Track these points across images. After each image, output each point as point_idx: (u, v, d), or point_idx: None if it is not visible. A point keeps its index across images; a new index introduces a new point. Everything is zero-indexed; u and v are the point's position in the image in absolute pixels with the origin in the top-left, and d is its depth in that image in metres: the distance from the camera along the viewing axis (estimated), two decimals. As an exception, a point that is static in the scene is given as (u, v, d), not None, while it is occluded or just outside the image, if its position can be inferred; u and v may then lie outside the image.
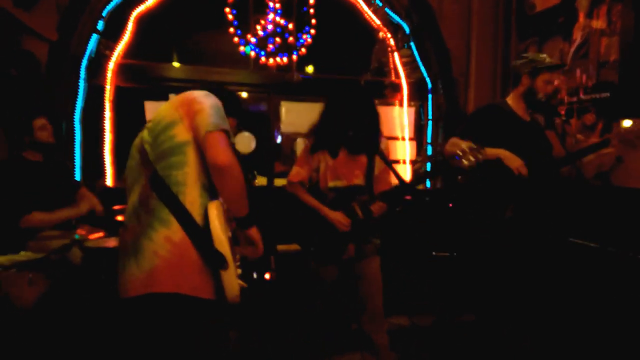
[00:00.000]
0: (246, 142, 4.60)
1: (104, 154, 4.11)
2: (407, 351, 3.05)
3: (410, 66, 4.86)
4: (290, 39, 4.63)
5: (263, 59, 4.59)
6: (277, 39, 4.61)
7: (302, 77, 4.61)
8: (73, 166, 3.90)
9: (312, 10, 4.67)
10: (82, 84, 3.96)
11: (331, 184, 2.47)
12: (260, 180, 4.36)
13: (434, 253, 3.51)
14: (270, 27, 4.58)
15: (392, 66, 4.92)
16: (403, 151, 4.90)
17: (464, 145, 2.16)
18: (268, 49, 4.59)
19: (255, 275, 3.13)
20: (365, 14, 4.78)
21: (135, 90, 4.19)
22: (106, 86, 4.09)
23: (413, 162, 4.94)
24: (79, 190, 3.06)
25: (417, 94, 4.90)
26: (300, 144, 4.72)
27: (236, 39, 4.52)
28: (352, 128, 2.42)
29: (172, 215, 1.52)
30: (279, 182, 4.51)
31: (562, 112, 3.76)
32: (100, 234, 2.82)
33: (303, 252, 2.55)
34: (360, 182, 2.48)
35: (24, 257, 2.39)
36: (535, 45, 4.20)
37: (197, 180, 1.57)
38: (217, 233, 1.51)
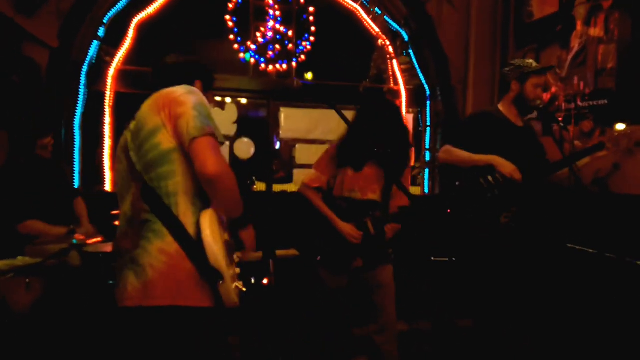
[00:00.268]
0: (245, 148, 4.65)
1: (104, 159, 4.12)
2: (406, 356, 3.04)
3: (409, 73, 4.88)
4: (290, 46, 4.66)
5: (263, 65, 4.61)
6: (277, 46, 4.64)
7: (302, 83, 4.64)
8: (72, 171, 3.91)
9: (311, 18, 4.71)
10: (82, 89, 3.98)
11: (347, 194, 2.44)
12: (259, 186, 4.36)
13: (432, 258, 3.51)
14: (270, 34, 4.61)
15: (390, 73, 4.95)
16: (402, 158, 4.90)
17: (490, 177, 2.27)
18: (268, 56, 4.62)
19: (253, 281, 3.12)
20: (365, 22, 4.81)
21: (135, 97, 4.18)
22: (106, 92, 4.11)
23: (411, 168, 4.95)
24: (75, 199, 3.08)
25: (416, 101, 4.92)
26: (299, 150, 4.73)
27: (236, 46, 4.55)
28: (384, 144, 2.38)
29: (165, 228, 1.49)
30: (278, 188, 4.52)
31: (560, 119, 3.77)
32: (99, 239, 2.82)
33: (305, 258, 2.54)
34: (377, 198, 2.46)
35: (21, 262, 2.40)
36: (533, 53, 4.23)
37: (188, 189, 1.52)
38: (210, 247, 1.46)
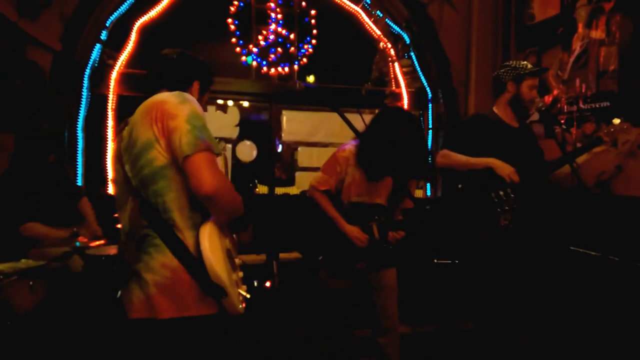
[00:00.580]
0: (247, 150, 4.66)
1: (106, 162, 4.13)
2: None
3: (411, 76, 4.89)
4: (292, 49, 4.67)
5: (265, 68, 4.63)
6: (279, 49, 4.65)
7: (304, 86, 4.65)
8: (75, 174, 3.92)
9: (313, 21, 4.72)
10: (85, 93, 4.00)
11: (354, 198, 2.45)
12: (262, 189, 4.37)
13: (435, 261, 3.51)
14: (272, 37, 4.63)
15: (392, 76, 4.96)
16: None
17: (501, 192, 2.30)
18: (270, 59, 4.63)
19: (255, 284, 3.12)
20: (366, 25, 4.82)
21: (137, 99, 4.18)
22: (109, 95, 4.12)
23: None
24: (80, 200, 3.08)
25: (418, 103, 4.93)
26: (301, 153, 4.74)
27: (238, 49, 4.56)
28: (403, 160, 2.34)
29: (165, 245, 1.48)
30: (280, 190, 4.52)
31: (562, 122, 3.77)
32: (101, 242, 2.82)
33: (310, 260, 2.54)
34: (383, 202, 2.47)
35: (24, 264, 2.40)
36: (534, 55, 4.23)
37: (185, 204, 1.50)
38: (210, 266, 1.44)
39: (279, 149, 4.87)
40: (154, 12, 4.26)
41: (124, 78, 4.18)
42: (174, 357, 1.50)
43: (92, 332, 2.46)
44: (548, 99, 3.98)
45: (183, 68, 1.71)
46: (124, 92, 4.18)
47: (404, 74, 4.89)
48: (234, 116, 4.75)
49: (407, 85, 4.88)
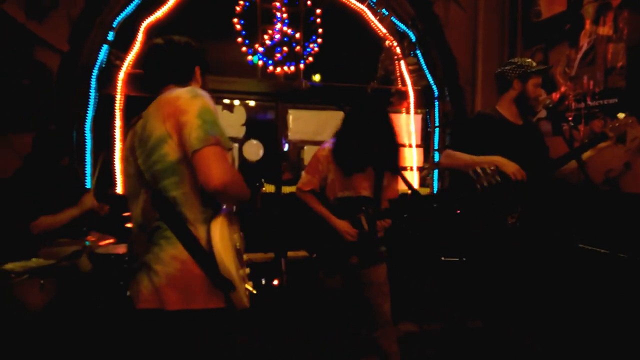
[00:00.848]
0: (254, 150, 4.67)
1: (114, 162, 4.16)
2: (416, 358, 3.04)
3: (417, 74, 4.88)
4: (297, 48, 4.68)
5: (270, 68, 4.64)
6: (285, 48, 4.66)
7: (310, 85, 4.65)
8: (84, 174, 3.95)
9: (318, 20, 4.72)
10: (92, 93, 4.03)
11: (339, 194, 2.49)
12: (268, 188, 4.38)
13: (442, 258, 3.50)
14: (277, 36, 4.64)
15: (398, 74, 4.95)
16: (410, 158, 4.91)
17: (479, 168, 2.19)
18: (275, 58, 4.64)
19: (263, 282, 3.14)
20: (372, 23, 4.82)
21: (145, 99, 4.22)
22: (116, 95, 4.15)
23: (420, 169, 4.95)
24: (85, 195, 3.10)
25: (424, 102, 4.92)
26: (307, 152, 4.74)
27: (244, 49, 4.58)
28: (372, 149, 2.42)
29: (176, 238, 1.50)
30: (287, 189, 4.53)
31: (570, 119, 3.75)
32: (111, 240, 2.85)
33: (309, 259, 2.57)
34: (368, 194, 2.49)
35: (35, 263, 2.43)
36: (541, 52, 4.21)
37: (197, 198, 1.52)
38: (221, 259, 1.47)
39: (285, 148, 4.88)
40: (160, 13, 4.28)
41: (131, 78, 4.20)
42: (179, 349, 1.51)
43: (101, 329, 2.48)
44: (555, 96, 3.96)
45: (181, 58, 1.69)
46: (131, 92, 4.20)
47: (410, 72, 4.88)
48: (240, 115, 4.76)
49: (413, 84, 4.88)
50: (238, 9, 4.55)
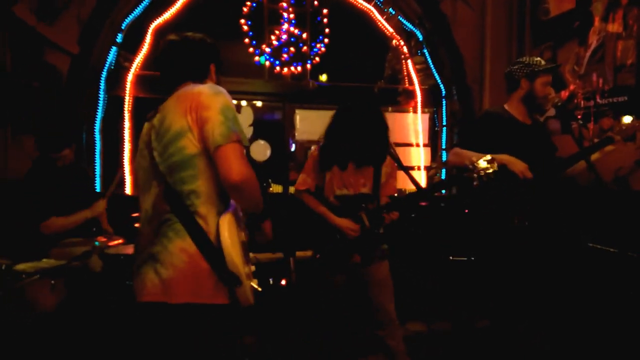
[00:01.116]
0: (261, 150, 4.69)
1: (123, 163, 4.20)
2: (424, 358, 3.03)
3: (424, 73, 4.87)
4: (304, 48, 4.69)
5: (277, 68, 4.65)
6: (291, 49, 4.67)
7: (317, 85, 4.66)
8: (93, 175, 3.99)
9: (325, 20, 4.73)
10: (102, 95, 4.07)
11: (338, 192, 2.49)
12: (275, 188, 4.39)
13: (451, 258, 3.49)
14: (284, 37, 4.65)
15: (405, 73, 4.94)
16: (418, 157, 4.90)
17: (474, 157, 2.18)
18: (282, 59, 4.65)
19: (271, 281, 3.15)
20: (379, 22, 4.81)
21: (153, 101, 4.25)
22: (125, 97, 4.19)
23: (428, 168, 4.94)
24: (99, 200, 3.13)
25: (431, 101, 4.91)
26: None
27: (251, 49, 4.59)
28: (359, 143, 2.43)
29: (186, 231, 1.52)
30: (293, 189, 4.55)
31: (579, 117, 3.72)
32: (120, 241, 2.87)
33: (313, 259, 2.57)
34: (367, 191, 2.49)
35: (46, 264, 2.45)
36: (550, 50, 4.18)
37: (209, 193, 1.54)
38: (229, 253, 1.49)
39: (293, 148, 4.89)
40: (168, 14, 4.31)
41: (139, 80, 4.24)
42: (181, 343, 1.52)
43: (112, 330, 2.51)
44: (564, 94, 3.93)
45: (197, 55, 1.71)
46: (140, 93, 4.24)
47: (417, 71, 4.87)
48: (247, 116, 4.78)
49: (421, 83, 4.86)
50: (245, 9, 4.57)
